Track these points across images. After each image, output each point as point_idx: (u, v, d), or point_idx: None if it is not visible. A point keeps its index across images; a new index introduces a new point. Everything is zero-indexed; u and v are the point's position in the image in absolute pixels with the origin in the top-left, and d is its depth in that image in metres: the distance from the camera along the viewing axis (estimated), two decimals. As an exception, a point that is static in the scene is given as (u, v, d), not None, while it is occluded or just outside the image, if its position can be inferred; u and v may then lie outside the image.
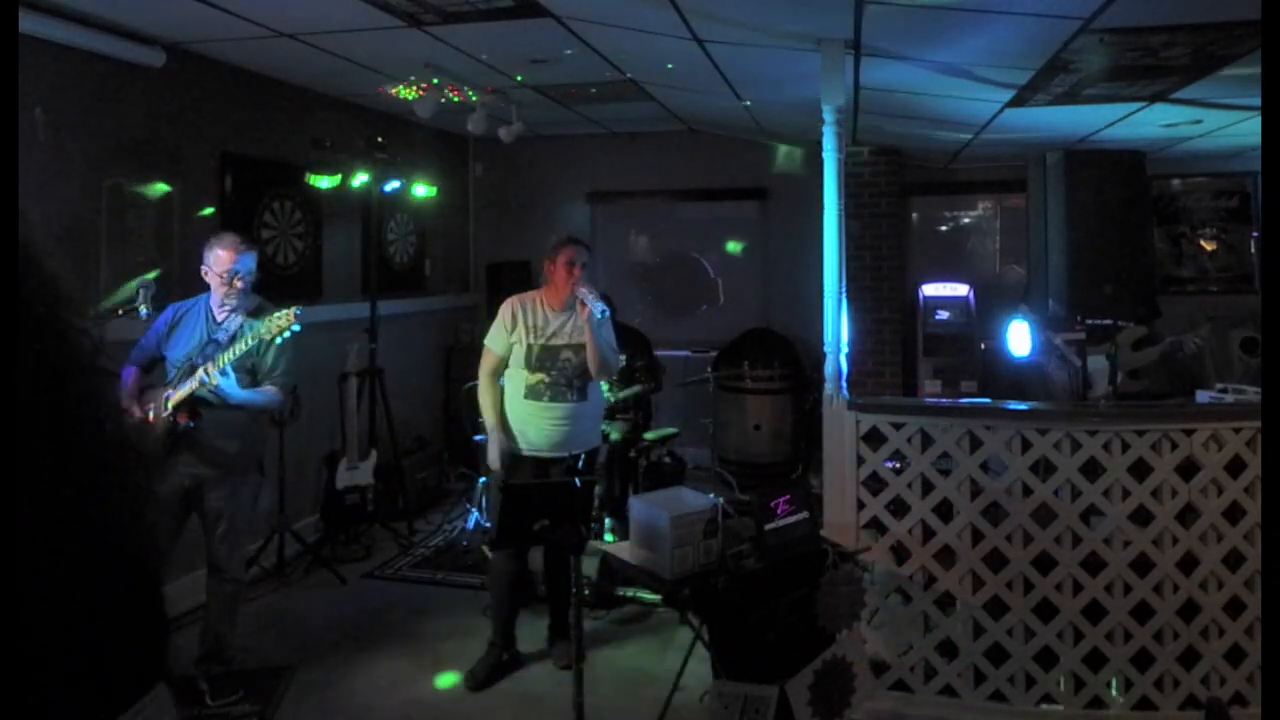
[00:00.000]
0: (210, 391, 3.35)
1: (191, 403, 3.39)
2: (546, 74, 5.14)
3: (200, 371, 3.33)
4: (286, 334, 3.38)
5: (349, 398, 5.64)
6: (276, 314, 3.39)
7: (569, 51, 4.48)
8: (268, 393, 3.55)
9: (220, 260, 3.47)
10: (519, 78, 5.15)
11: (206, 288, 3.58)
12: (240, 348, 3.37)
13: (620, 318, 4.30)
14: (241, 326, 3.51)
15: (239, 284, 3.49)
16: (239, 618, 3.79)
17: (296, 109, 5.52)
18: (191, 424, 3.40)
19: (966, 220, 7.66)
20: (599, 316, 3.67)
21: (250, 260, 3.53)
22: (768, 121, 6.40)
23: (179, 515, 3.52)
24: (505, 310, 3.92)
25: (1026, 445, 3.42)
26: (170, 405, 3.39)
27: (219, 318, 3.54)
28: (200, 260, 3.55)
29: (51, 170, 3.89)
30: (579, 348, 3.86)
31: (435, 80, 5.08)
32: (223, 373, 3.33)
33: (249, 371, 3.49)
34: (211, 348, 3.45)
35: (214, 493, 3.53)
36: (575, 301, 3.82)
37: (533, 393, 3.85)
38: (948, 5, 3.14)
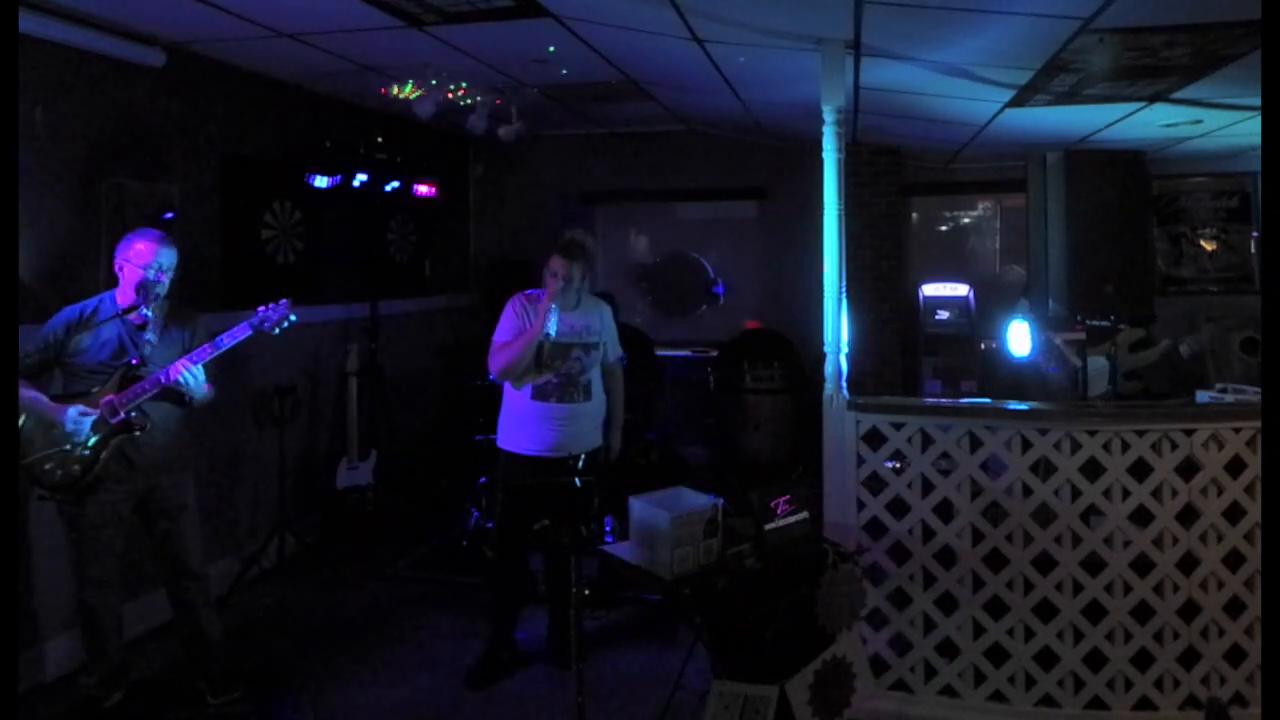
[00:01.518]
0: (183, 388, 3.30)
1: (138, 405, 3.32)
2: (546, 74, 5.14)
3: (178, 370, 3.27)
4: (285, 325, 3.39)
5: (349, 398, 5.65)
6: (263, 308, 3.36)
7: (552, 49, 4.46)
8: (209, 389, 3.48)
9: (141, 254, 3.32)
10: (503, 77, 5.13)
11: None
12: (222, 342, 3.33)
13: (620, 317, 4.31)
14: (167, 329, 3.43)
15: (161, 278, 3.35)
16: (223, 615, 3.76)
17: (296, 109, 5.52)
18: (145, 426, 3.33)
19: (966, 220, 7.67)
20: (548, 334, 3.73)
21: (173, 256, 3.40)
22: (768, 121, 6.40)
23: (130, 520, 3.47)
24: (514, 303, 3.92)
25: (1026, 445, 3.42)
26: (123, 410, 3.28)
27: (134, 320, 3.37)
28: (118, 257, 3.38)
29: (51, 170, 3.89)
30: (589, 346, 3.87)
31: (434, 82, 5.08)
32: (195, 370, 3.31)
33: None
34: (149, 349, 3.35)
35: (168, 489, 3.49)
36: (580, 300, 3.89)
37: (539, 393, 3.85)
38: (948, 5, 3.14)
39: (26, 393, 3.26)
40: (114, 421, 3.27)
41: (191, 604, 3.60)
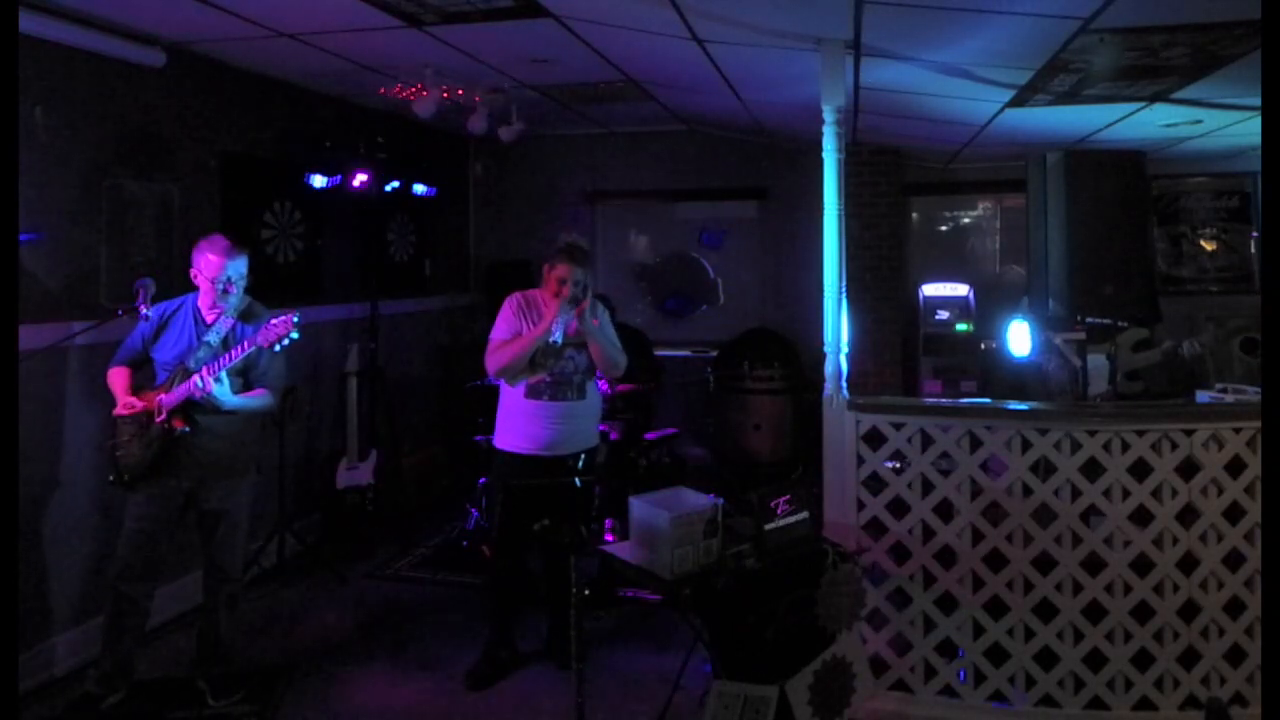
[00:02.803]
0: (203, 397, 3.33)
1: (186, 407, 3.38)
2: (546, 74, 5.14)
3: (195, 378, 3.30)
4: (285, 342, 3.31)
5: (349, 398, 5.65)
6: (273, 321, 3.31)
7: (552, 56, 4.46)
8: (260, 396, 3.53)
9: (211, 265, 3.42)
10: (503, 77, 5.12)
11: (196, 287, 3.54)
12: (235, 354, 3.34)
13: (620, 318, 4.30)
14: (234, 329, 3.47)
15: (232, 289, 3.45)
16: (239, 617, 3.80)
17: (296, 109, 5.52)
18: (187, 429, 3.38)
19: (966, 220, 7.67)
20: (554, 340, 3.70)
21: (242, 264, 3.48)
22: (768, 121, 6.40)
23: (177, 518, 3.53)
24: (512, 301, 3.91)
25: (1026, 445, 3.42)
26: (166, 411, 3.36)
27: (208, 319, 3.49)
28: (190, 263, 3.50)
29: (51, 170, 3.88)
30: (582, 345, 3.87)
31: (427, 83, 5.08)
32: (217, 379, 3.30)
33: (240, 374, 3.47)
34: (204, 350, 3.41)
35: (213, 494, 3.53)
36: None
37: (533, 391, 3.85)
38: (947, 5, 3.14)
39: (118, 374, 3.51)
40: (157, 421, 3.37)
41: (214, 600, 3.66)
